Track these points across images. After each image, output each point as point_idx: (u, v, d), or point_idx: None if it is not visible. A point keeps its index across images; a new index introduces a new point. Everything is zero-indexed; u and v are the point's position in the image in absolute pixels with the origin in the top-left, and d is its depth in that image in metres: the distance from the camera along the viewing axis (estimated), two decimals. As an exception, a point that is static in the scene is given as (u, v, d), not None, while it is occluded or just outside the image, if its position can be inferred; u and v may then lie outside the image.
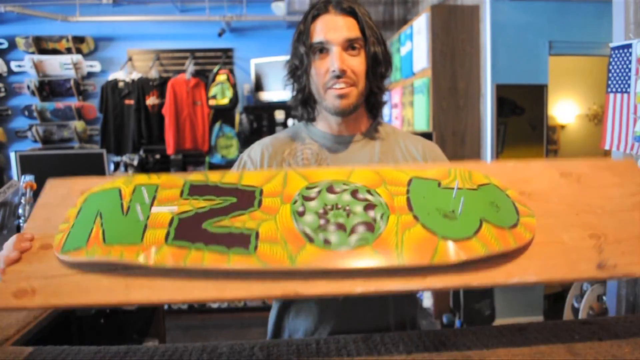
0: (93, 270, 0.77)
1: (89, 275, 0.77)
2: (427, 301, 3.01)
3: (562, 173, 0.91)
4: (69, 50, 4.52)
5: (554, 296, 3.01)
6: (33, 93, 4.50)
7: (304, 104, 1.08)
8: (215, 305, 4.08)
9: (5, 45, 4.51)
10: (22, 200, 1.63)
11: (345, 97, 1.01)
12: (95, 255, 0.77)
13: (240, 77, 4.64)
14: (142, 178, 0.89)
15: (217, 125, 4.42)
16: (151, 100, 4.36)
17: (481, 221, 0.79)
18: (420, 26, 3.20)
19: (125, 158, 4.39)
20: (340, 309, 1.03)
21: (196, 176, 0.89)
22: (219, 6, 4.51)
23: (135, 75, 4.42)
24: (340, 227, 0.78)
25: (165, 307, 3.88)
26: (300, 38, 1.04)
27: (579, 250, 0.80)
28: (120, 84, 4.39)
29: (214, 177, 0.88)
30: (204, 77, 4.40)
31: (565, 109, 4.73)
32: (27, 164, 2.53)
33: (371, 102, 1.09)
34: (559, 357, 0.76)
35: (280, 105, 4.55)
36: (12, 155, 2.55)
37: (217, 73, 4.33)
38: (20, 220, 1.64)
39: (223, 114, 4.45)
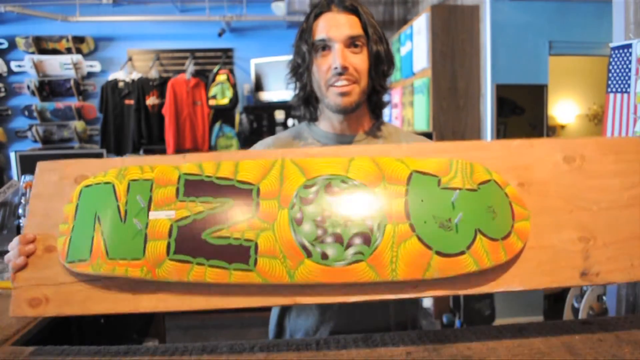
0: (99, 278, 0.82)
1: (97, 284, 0.82)
2: (427, 301, 3.01)
3: (565, 157, 0.90)
4: (69, 50, 4.53)
5: (554, 296, 3.01)
6: (33, 93, 4.50)
7: (306, 102, 1.08)
8: (215, 305, 4.08)
9: (5, 45, 4.51)
10: (22, 200, 1.63)
11: (347, 95, 1.01)
12: (101, 270, 0.81)
13: (240, 77, 4.64)
14: (134, 171, 0.87)
15: (217, 125, 4.42)
16: (151, 100, 4.36)
17: (476, 232, 0.81)
18: (420, 26, 3.20)
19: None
20: (341, 309, 1.04)
21: (190, 167, 0.87)
22: (219, 6, 4.51)
23: (135, 75, 4.42)
24: (338, 239, 0.80)
25: (165, 307, 3.88)
26: (303, 36, 1.04)
27: (567, 255, 0.83)
28: (120, 84, 4.39)
29: (209, 169, 0.86)
30: (204, 77, 4.40)
31: (565, 109, 4.73)
32: (27, 164, 2.53)
33: (373, 101, 1.09)
34: (559, 357, 0.76)
35: (280, 105, 4.55)
36: (12, 155, 2.56)
37: (217, 73, 4.33)
38: (20, 220, 1.64)
39: (223, 114, 4.45)
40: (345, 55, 1.00)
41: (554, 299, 2.93)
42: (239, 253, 0.80)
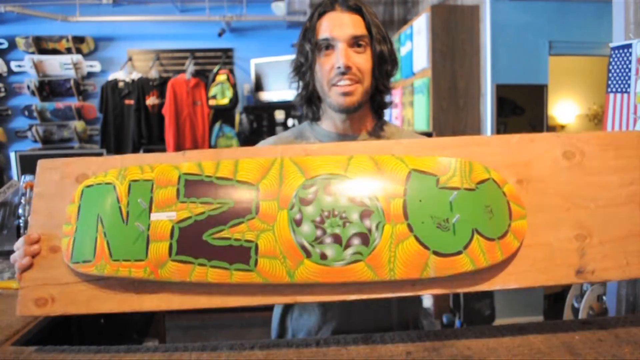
0: (104, 279, 0.83)
1: (102, 283, 0.84)
2: (427, 301, 3.01)
3: (565, 152, 0.90)
4: (69, 50, 4.53)
5: (554, 296, 3.01)
6: (33, 93, 4.50)
7: (309, 101, 1.08)
8: (215, 305, 4.08)
9: (5, 45, 4.51)
10: (22, 200, 1.63)
11: (349, 95, 1.00)
12: (105, 271, 0.82)
13: (240, 77, 4.64)
14: (134, 171, 0.88)
15: (217, 125, 4.42)
16: (151, 100, 4.36)
17: (473, 232, 0.82)
18: (420, 26, 3.20)
19: (125, 158, 4.39)
20: (343, 309, 1.04)
21: (190, 166, 0.87)
22: (219, 6, 4.51)
23: (135, 75, 4.42)
24: (336, 239, 0.81)
25: (165, 307, 3.88)
26: (306, 35, 1.04)
27: (563, 253, 0.84)
28: (120, 84, 4.39)
29: (209, 168, 0.87)
30: (204, 77, 4.40)
31: (565, 109, 4.73)
32: (27, 164, 2.53)
33: (376, 101, 1.08)
34: (559, 357, 0.76)
35: (280, 105, 4.55)
36: (12, 155, 2.56)
37: (217, 73, 4.33)
38: (20, 220, 1.64)
39: (223, 114, 4.45)
40: (349, 54, 0.99)
41: (554, 299, 2.93)
42: (239, 254, 0.81)
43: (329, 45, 1.01)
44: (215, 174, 0.86)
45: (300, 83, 1.07)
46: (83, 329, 1.60)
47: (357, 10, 1.02)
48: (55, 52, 4.53)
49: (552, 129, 4.59)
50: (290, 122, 4.54)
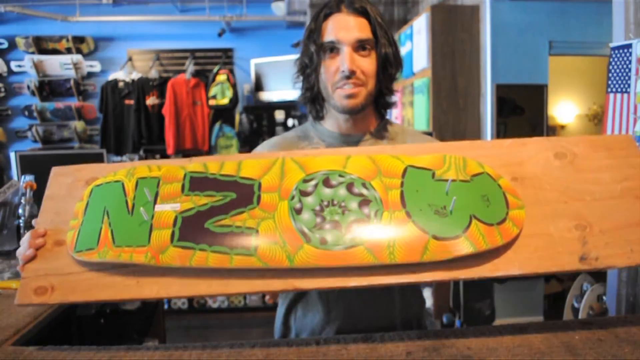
0: (106, 268, 0.84)
1: (103, 272, 0.84)
2: (427, 301, 3.00)
3: (556, 154, 0.92)
4: (69, 50, 4.52)
5: (554, 296, 3.01)
6: (33, 93, 4.50)
7: (312, 102, 1.08)
8: (215, 305, 4.08)
9: (5, 45, 4.51)
10: (22, 200, 1.63)
11: (353, 97, 1.01)
12: (107, 257, 0.83)
13: (240, 77, 4.64)
14: (143, 170, 0.92)
15: (217, 125, 4.42)
16: (151, 100, 4.36)
17: (471, 218, 0.82)
18: (420, 26, 3.20)
19: (125, 158, 4.39)
20: (346, 309, 1.04)
21: (196, 166, 0.92)
22: (219, 6, 4.51)
23: (135, 75, 4.42)
24: (336, 226, 0.82)
25: (165, 306, 3.88)
26: (311, 36, 1.03)
27: (564, 242, 0.84)
28: (120, 84, 4.39)
29: (213, 167, 0.91)
30: (204, 77, 4.40)
31: (565, 109, 4.73)
32: (27, 164, 2.53)
33: (380, 101, 1.09)
34: (559, 357, 0.76)
35: (280, 105, 4.55)
36: (12, 155, 2.56)
37: (217, 73, 4.33)
38: (20, 221, 1.64)
39: (223, 114, 4.45)
40: (354, 58, 1.00)
41: (554, 299, 2.93)
42: (240, 239, 0.82)
43: (333, 48, 1.01)
44: (219, 172, 0.90)
45: (305, 84, 1.07)
46: (83, 329, 1.60)
47: (363, 12, 1.01)
48: (55, 52, 4.53)
49: (552, 128, 4.59)
50: (290, 122, 4.54)
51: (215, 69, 4.37)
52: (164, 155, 4.38)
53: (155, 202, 0.87)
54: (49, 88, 4.52)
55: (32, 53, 4.49)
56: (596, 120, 4.69)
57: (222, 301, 4.07)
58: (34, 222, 0.92)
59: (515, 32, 2.85)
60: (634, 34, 1.71)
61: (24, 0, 4.35)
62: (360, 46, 1.01)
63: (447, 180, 0.86)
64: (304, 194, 0.86)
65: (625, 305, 1.73)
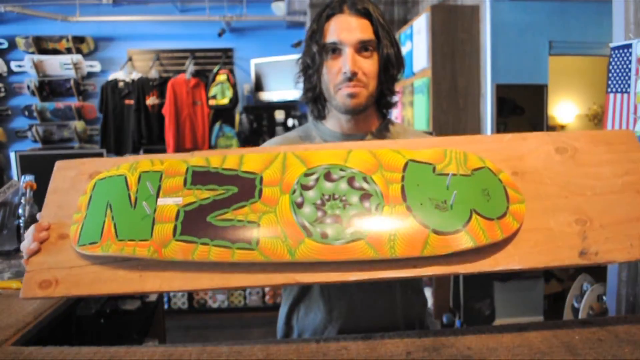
0: (109, 262, 0.84)
1: (106, 266, 0.84)
2: (428, 301, 3.00)
3: (557, 148, 0.92)
4: (69, 50, 4.52)
5: (554, 296, 3.01)
6: (33, 93, 4.50)
7: (314, 102, 1.09)
8: (215, 305, 4.08)
9: (5, 45, 4.51)
10: (22, 200, 1.63)
11: (355, 97, 1.01)
12: (110, 250, 0.83)
13: (240, 77, 4.64)
14: (145, 164, 0.93)
15: (217, 125, 4.42)
16: (151, 100, 4.36)
17: (471, 212, 0.83)
18: (420, 26, 3.20)
19: (125, 158, 4.39)
20: (348, 308, 1.04)
21: (198, 160, 0.92)
22: (219, 6, 4.51)
23: (135, 75, 4.42)
24: (337, 220, 0.83)
25: (165, 306, 3.88)
26: (314, 37, 1.04)
27: (564, 236, 0.84)
28: (120, 84, 4.39)
29: (216, 162, 0.91)
30: (204, 77, 4.40)
31: (565, 109, 4.73)
32: (27, 164, 2.53)
33: (382, 102, 1.09)
34: (559, 357, 0.76)
35: (280, 105, 4.55)
36: (12, 155, 2.56)
37: (217, 73, 4.33)
38: (20, 221, 1.64)
39: (223, 114, 4.45)
40: (356, 59, 1.00)
41: (554, 299, 2.93)
42: (242, 233, 0.83)
43: (336, 49, 1.01)
44: (221, 165, 0.91)
45: (307, 84, 1.08)
46: (83, 329, 1.60)
47: (365, 13, 1.02)
48: (55, 52, 4.52)
49: (552, 129, 4.59)
50: (290, 122, 4.54)
51: (215, 69, 4.37)
52: (164, 155, 4.38)
53: (157, 196, 0.88)
54: (49, 88, 4.52)
55: (32, 53, 4.49)
56: (596, 120, 4.69)
57: (222, 301, 4.07)
58: (38, 215, 0.93)
59: (515, 32, 2.85)
60: (634, 34, 1.71)
61: (24, 0, 4.35)
62: (362, 47, 1.01)
63: (447, 175, 0.86)
64: (305, 187, 0.86)
65: (625, 305, 1.73)
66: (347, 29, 1.00)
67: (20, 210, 1.64)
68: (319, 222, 0.83)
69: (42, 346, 0.87)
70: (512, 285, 2.49)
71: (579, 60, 4.14)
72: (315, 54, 1.03)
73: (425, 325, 1.13)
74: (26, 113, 4.54)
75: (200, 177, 0.89)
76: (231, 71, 4.43)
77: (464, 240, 0.80)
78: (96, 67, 4.58)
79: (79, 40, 4.56)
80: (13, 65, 4.51)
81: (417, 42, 3.30)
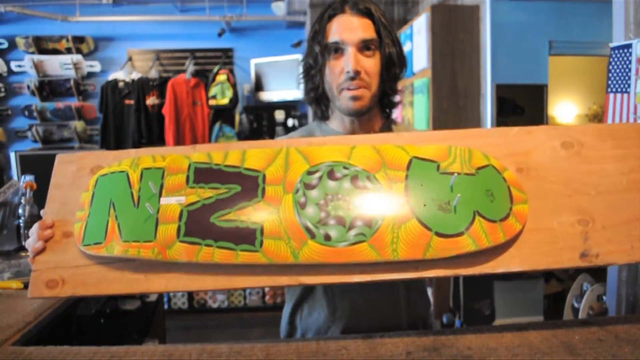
0: (114, 261, 0.84)
1: (111, 266, 0.85)
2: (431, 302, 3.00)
3: (563, 143, 0.91)
4: (69, 50, 4.52)
5: (554, 296, 3.01)
6: (33, 93, 4.50)
7: (317, 102, 1.09)
8: (215, 305, 4.08)
9: (5, 45, 4.51)
10: (22, 200, 1.63)
11: (359, 99, 1.01)
12: (115, 251, 0.84)
13: (240, 77, 4.64)
14: (147, 160, 0.92)
15: (217, 125, 4.42)
16: (151, 100, 4.36)
17: (474, 214, 0.82)
18: (420, 26, 3.20)
19: (125, 158, 4.39)
20: (352, 308, 1.04)
21: (200, 156, 0.91)
22: (219, 6, 4.50)
23: (135, 75, 4.42)
24: (340, 221, 0.83)
25: (165, 306, 3.88)
26: (316, 37, 1.04)
27: (566, 237, 0.83)
28: (120, 84, 4.39)
29: (218, 157, 0.91)
30: (204, 77, 4.40)
31: (565, 109, 4.73)
32: (27, 164, 2.53)
33: (384, 101, 1.10)
34: (559, 357, 0.76)
35: (280, 105, 4.55)
36: (12, 155, 2.56)
37: (217, 73, 4.33)
38: (20, 221, 1.64)
39: (223, 114, 4.45)
40: (358, 59, 1.00)
41: (554, 299, 2.93)
42: (245, 235, 0.83)
43: (338, 49, 1.02)
44: (223, 162, 0.90)
45: (309, 84, 1.08)
46: (83, 329, 1.60)
47: (367, 13, 1.02)
48: (55, 52, 4.52)
49: (552, 129, 4.58)
50: (290, 122, 4.54)
51: (215, 69, 4.37)
52: (164, 155, 4.38)
53: (160, 195, 0.87)
54: (49, 88, 4.52)
55: (32, 53, 4.49)
56: (596, 120, 4.69)
57: (222, 301, 4.07)
58: (42, 212, 0.93)
59: (515, 32, 2.85)
60: (634, 34, 1.71)
61: (24, 0, 4.34)
62: (364, 46, 1.01)
63: (452, 174, 0.86)
64: (309, 187, 0.86)
65: (625, 305, 1.73)
66: (349, 28, 1.00)
67: (20, 210, 1.64)
68: (322, 223, 0.83)
69: (42, 346, 0.87)
70: (512, 285, 2.49)
71: (579, 60, 4.13)
72: (318, 54, 1.03)
73: (429, 326, 1.13)
74: (26, 113, 4.54)
75: (202, 175, 0.89)
76: (231, 71, 4.43)
77: (466, 243, 0.80)
78: (96, 67, 4.58)
79: (79, 40, 4.55)
80: (13, 65, 4.50)
81: (417, 42, 3.30)
